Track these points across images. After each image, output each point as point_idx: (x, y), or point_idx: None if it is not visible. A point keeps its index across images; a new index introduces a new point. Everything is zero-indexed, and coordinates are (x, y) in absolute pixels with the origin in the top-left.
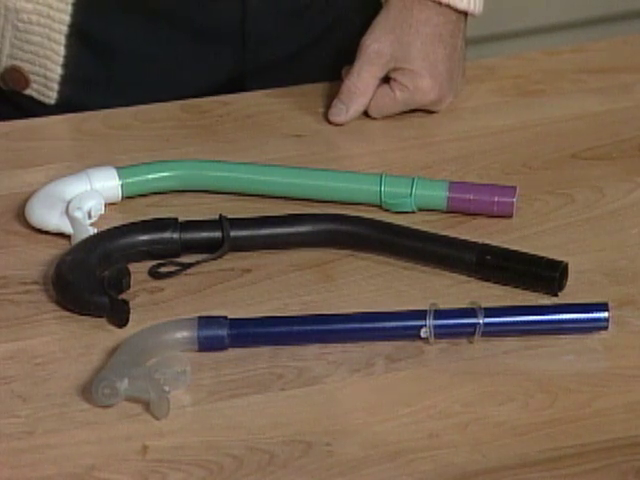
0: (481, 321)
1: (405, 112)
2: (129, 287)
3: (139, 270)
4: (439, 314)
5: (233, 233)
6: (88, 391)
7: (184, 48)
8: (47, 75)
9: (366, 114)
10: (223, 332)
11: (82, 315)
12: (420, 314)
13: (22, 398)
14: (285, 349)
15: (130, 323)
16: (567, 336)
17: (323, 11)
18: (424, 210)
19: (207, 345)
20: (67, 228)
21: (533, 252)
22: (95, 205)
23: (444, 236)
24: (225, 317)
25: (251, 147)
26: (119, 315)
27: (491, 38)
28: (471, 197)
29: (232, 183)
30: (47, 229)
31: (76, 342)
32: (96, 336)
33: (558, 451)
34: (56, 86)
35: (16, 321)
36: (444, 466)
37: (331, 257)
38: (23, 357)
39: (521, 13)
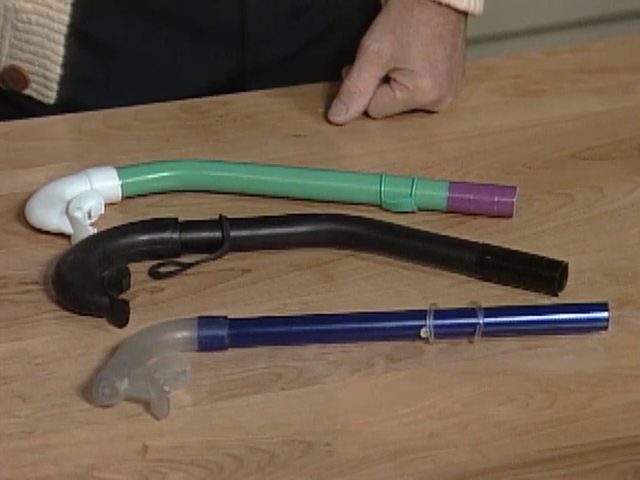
0: (481, 321)
1: (405, 112)
2: (129, 287)
3: (139, 270)
4: (439, 314)
5: (233, 233)
6: (88, 391)
7: (183, 48)
8: (46, 75)
9: (366, 114)
10: (223, 332)
11: (82, 315)
12: (420, 314)
13: (22, 398)
14: (285, 349)
15: (130, 323)
16: (567, 336)
17: (323, 11)
18: (424, 210)
19: (207, 345)
20: (67, 228)
21: (533, 252)
22: (95, 205)
23: (444, 236)
24: (225, 317)
25: (251, 147)
26: (119, 315)
27: (491, 38)
28: (471, 197)
29: (232, 183)
30: (47, 229)
31: (76, 342)
32: (96, 336)
33: (558, 451)
34: (55, 86)
35: (16, 321)
36: (444, 466)
37: (331, 257)
38: (23, 357)
39: (521, 13)
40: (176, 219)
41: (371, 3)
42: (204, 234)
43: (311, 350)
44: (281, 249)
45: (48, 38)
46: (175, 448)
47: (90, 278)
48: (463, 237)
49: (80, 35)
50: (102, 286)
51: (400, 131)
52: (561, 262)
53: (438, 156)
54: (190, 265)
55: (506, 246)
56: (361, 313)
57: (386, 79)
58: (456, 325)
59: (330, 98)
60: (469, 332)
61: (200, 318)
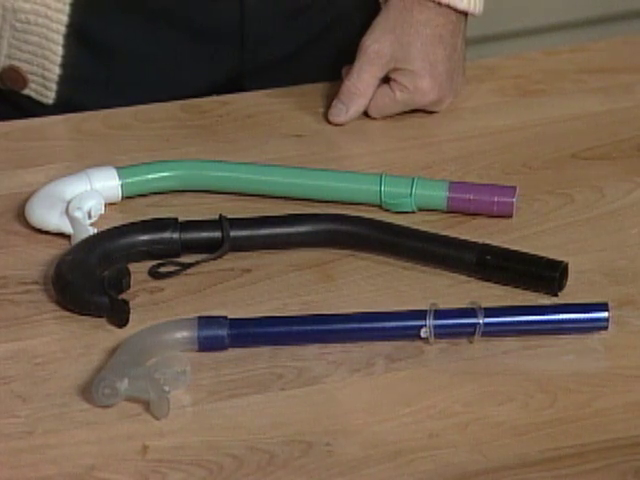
0: (481, 321)
1: (405, 112)
2: (129, 287)
3: (139, 270)
4: (439, 314)
5: (233, 233)
6: (88, 391)
7: (182, 48)
8: (45, 75)
9: (366, 114)
10: (223, 332)
11: (82, 315)
12: (420, 314)
13: (22, 398)
14: (285, 349)
15: (130, 323)
16: (567, 336)
17: (322, 11)
18: (424, 210)
19: (207, 345)
20: (67, 228)
21: (533, 252)
22: (95, 205)
23: (444, 236)
24: (225, 317)
25: (251, 147)
26: (119, 315)
27: (491, 38)
28: (471, 197)
29: (232, 183)
30: (47, 229)
31: (76, 342)
32: (96, 336)
33: (558, 451)
34: (54, 86)
35: (16, 321)
36: (444, 466)
37: (331, 257)
38: (23, 357)
39: (521, 13)
40: (176, 219)
41: (370, 3)
42: (204, 234)
43: (311, 350)
44: (281, 249)
45: (47, 38)
46: (175, 448)
47: (90, 278)
48: (463, 237)
49: (79, 35)
50: (102, 286)
51: (400, 131)
52: (561, 262)
53: (438, 156)
54: (190, 265)
55: (506, 246)
56: (361, 313)
57: (386, 79)
58: (456, 325)
59: (330, 98)
60: (469, 332)
61: (200, 318)
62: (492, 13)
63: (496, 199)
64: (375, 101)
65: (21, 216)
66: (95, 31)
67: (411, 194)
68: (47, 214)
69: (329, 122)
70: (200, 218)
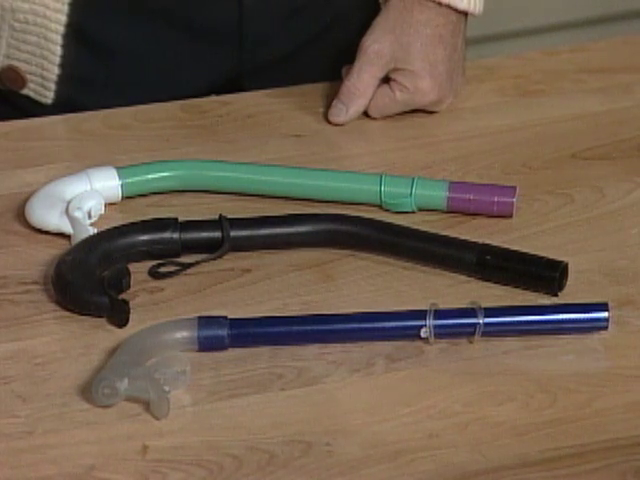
0: (481, 321)
1: (405, 112)
2: (129, 287)
3: (139, 270)
4: (439, 314)
5: (233, 233)
6: (88, 391)
7: (181, 48)
8: (44, 75)
9: (366, 114)
10: (223, 332)
11: (82, 315)
12: (420, 314)
13: (22, 398)
14: (285, 349)
15: (130, 323)
16: (567, 336)
17: (320, 11)
18: (424, 210)
19: (207, 345)
20: (67, 228)
21: (533, 252)
22: (95, 205)
23: (444, 236)
24: (225, 317)
25: (251, 147)
26: (119, 315)
27: (491, 38)
28: (471, 197)
29: (232, 183)
30: (47, 229)
31: (76, 342)
32: (96, 336)
33: (558, 451)
34: (53, 86)
35: (16, 321)
36: (444, 466)
37: (331, 257)
38: (23, 357)
39: (521, 13)
40: (176, 219)
41: (368, 3)
42: (204, 234)
43: (311, 350)
44: (281, 249)
45: (45, 38)
46: (175, 448)
47: (90, 278)
48: (463, 237)
49: (77, 35)
50: (102, 286)
51: (400, 131)
52: (561, 262)
53: (438, 156)
54: (190, 265)
55: (506, 246)
56: (361, 313)
57: (386, 79)
58: (456, 325)
59: (330, 98)
60: (469, 332)
61: (200, 318)
62: (492, 13)
63: (496, 199)
64: (375, 101)
65: (21, 216)
66: (94, 31)
67: (411, 194)
68: (47, 214)
69: (329, 122)
70: (200, 218)
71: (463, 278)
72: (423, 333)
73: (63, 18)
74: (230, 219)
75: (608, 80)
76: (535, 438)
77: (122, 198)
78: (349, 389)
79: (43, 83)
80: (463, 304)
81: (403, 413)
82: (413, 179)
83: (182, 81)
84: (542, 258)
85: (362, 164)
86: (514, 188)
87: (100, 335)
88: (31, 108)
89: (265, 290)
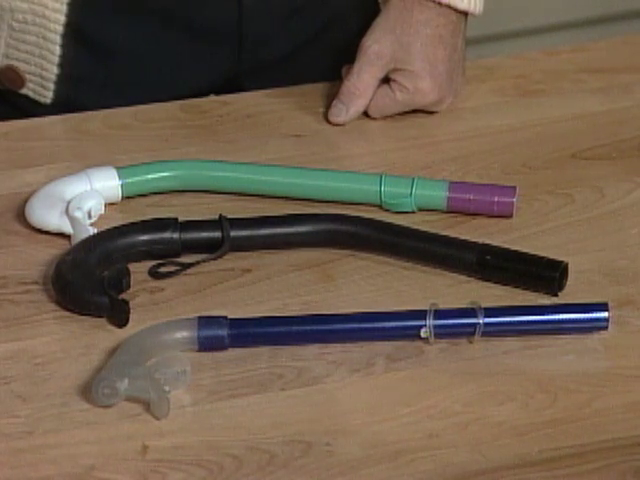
0: (481, 321)
1: (405, 112)
2: (129, 287)
3: (139, 270)
4: (439, 314)
5: (233, 233)
6: (88, 391)
7: (181, 48)
8: (43, 75)
9: (366, 114)
10: (223, 332)
11: (82, 315)
12: (420, 314)
13: (22, 398)
14: (285, 349)
15: (130, 323)
16: (567, 336)
17: (319, 11)
18: (424, 210)
19: (207, 345)
20: (67, 228)
21: (533, 252)
22: (95, 205)
23: (444, 236)
24: (225, 317)
25: (251, 147)
26: (119, 315)
27: (491, 38)
28: (471, 197)
29: (232, 183)
30: (47, 229)
31: (76, 342)
32: (96, 336)
33: (558, 451)
34: (52, 85)
35: (16, 321)
36: (444, 466)
37: (331, 257)
38: (23, 357)
39: (521, 13)
40: (176, 219)
41: (367, 3)
42: (204, 234)
43: (311, 350)
44: (281, 249)
45: (44, 38)
46: (175, 448)
47: (90, 278)
48: (463, 237)
49: (76, 35)
50: (102, 286)
51: (400, 131)
52: (561, 262)
53: (438, 156)
54: (190, 265)
55: (506, 246)
56: (361, 313)
57: (386, 79)
58: (456, 325)
59: (330, 98)
60: (469, 332)
61: (200, 318)
62: (492, 13)
63: (496, 199)
64: (375, 101)
65: (21, 216)
66: (93, 31)
67: (411, 194)
68: (47, 214)
69: (329, 122)
70: (200, 218)
71: (463, 278)
72: (423, 333)
73: (62, 18)
74: (230, 219)
75: (608, 80)
76: (535, 438)
77: (122, 198)
78: (349, 389)
79: (42, 83)
80: (463, 304)
81: (403, 413)
82: (413, 179)
83: (181, 81)
84: (542, 258)
85: (362, 164)
86: (514, 188)
87: (100, 335)
88: (30, 108)
89: (265, 290)
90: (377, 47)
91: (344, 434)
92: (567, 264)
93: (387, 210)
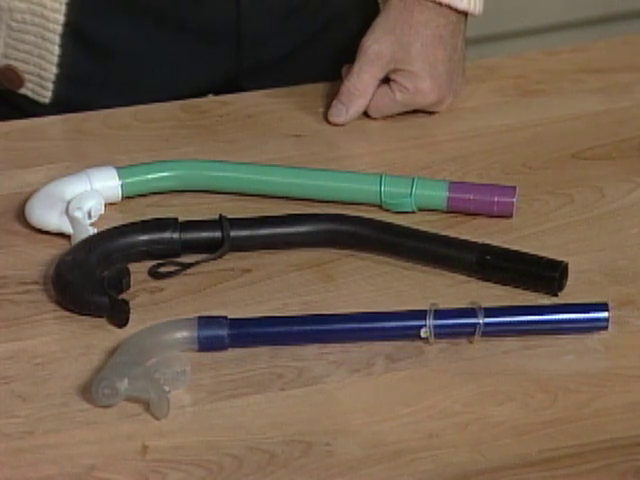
0: (481, 321)
1: (405, 112)
2: (129, 287)
3: (139, 270)
4: (439, 314)
5: (233, 233)
6: (88, 391)
7: (179, 48)
8: (42, 74)
9: (366, 114)
10: (223, 332)
11: (82, 315)
12: (420, 314)
13: (22, 398)
14: (285, 349)
15: (130, 323)
16: (567, 336)
17: (317, 11)
18: (424, 210)
19: (207, 345)
20: (67, 228)
21: (533, 252)
22: (95, 205)
23: (444, 236)
24: (225, 317)
25: (251, 147)
26: (119, 315)
27: (491, 38)
28: (471, 197)
29: (232, 183)
30: (47, 229)
31: (76, 342)
32: (96, 336)
33: (558, 451)
34: (51, 85)
35: (16, 321)
36: (444, 466)
37: (331, 257)
38: (23, 357)
39: (521, 13)
40: (176, 219)
41: (366, 3)
42: (204, 234)
43: (311, 350)
44: (281, 249)
45: (43, 38)
46: (175, 448)
47: (90, 278)
48: (463, 237)
49: (75, 34)
50: (102, 286)
51: (400, 131)
52: (561, 262)
53: (438, 156)
54: (190, 265)
55: (506, 246)
56: (361, 313)
57: (386, 79)
58: (456, 325)
59: (330, 98)
60: (469, 332)
61: (200, 318)
62: (492, 13)
63: (496, 199)
64: (375, 101)
65: (21, 216)
66: (91, 30)
67: (411, 194)
68: (47, 214)
69: (329, 122)
70: (200, 218)
71: (463, 278)
72: (423, 333)
73: (61, 18)
74: (230, 219)
75: (608, 80)
76: (535, 438)
77: (122, 198)
78: (349, 389)
79: (41, 83)
80: (463, 304)
81: (403, 413)
82: (413, 179)
83: (180, 81)
84: (542, 258)
85: (362, 164)
86: (514, 188)
87: (100, 335)
88: (29, 107)
89: (265, 290)
90: (377, 47)
91: (344, 434)
92: (567, 264)
93: (387, 210)
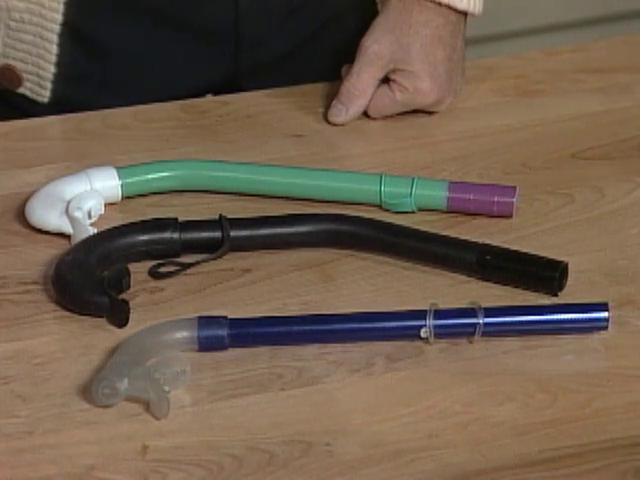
0: (481, 321)
1: (405, 112)
2: (129, 287)
3: (139, 270)
4: (439, 314)
5: (233, 233)
6: (88, 391)
7: (178, 48)
8: (40, 74)
9: (366, 114)
10: (223, 332)
11: (82, 315)
12: (420, 314)
13: (22, 398)
14: (285, 349)
15: (130, 323)
16: (567, 336)
17: (316, 11)
18: (424, 210)
19: (207, 345)
20: (67, 228)
21: (533, 252)
22: (95, 205)
23: (444, 236)
24: (225, 317)
25: (251, 147)
26: (119, 315)
27: (491, 38)
28: (471, 197)
29: (232, 183)
30: (47, 229)
31: (76, 342)
32: (96, 336)
33: (558, 451)
34: (49, 85)
35: (16, 321)
36: (444, 466)
37: (331, 257)
38: (23, 357)
39: (521, 13)
40: (176, 219)
41: (365, 3)
42: (204, 234)
43: (311, 350)
44: (281, 249)
45: (41, 37)
46: (175, 448)
47: (90, 278)
48: (463, 237)
49: (73, 34)
50: (102, 286)
51: (400, 131)
52: (561, 262)
53: (438, 156)
54: (190, 265)
55: (506, 246)
56: (361, 313)
57: (386, 79)
58: (456, 325)
59: (330, 98)
60: (469, 332)
61: (200, 318)
62: (492, 13)
63: (496, 199)
64: (375, 101)
65: (21, 216)
66: (90, 30)
67: (411, 194)
68: (47, 214)
69: (329, 122)
70: (200, 218)
71: (463, 278)
72: (423, 333)
73: (59, 17)
74: (230, 219)
75: (608, 80)
76: (535, 438)
77: (122, 198)
78: (349, 389)
79: (39, 82)
80: (463, 304)
81: (403, 413)
82: (413, 179)
83: (179, 81)
84: (542, 258)
85: (362, 164)
86: (514, 188)
87: (100, 335)
88: (28, 107)
89: (265, 290)
90: (377, 47)
91: (344, 434)
92: (567, 264)
93: (387, 210)
